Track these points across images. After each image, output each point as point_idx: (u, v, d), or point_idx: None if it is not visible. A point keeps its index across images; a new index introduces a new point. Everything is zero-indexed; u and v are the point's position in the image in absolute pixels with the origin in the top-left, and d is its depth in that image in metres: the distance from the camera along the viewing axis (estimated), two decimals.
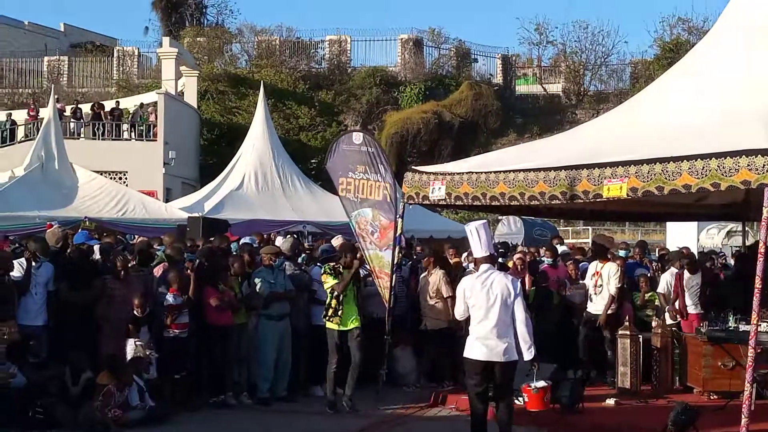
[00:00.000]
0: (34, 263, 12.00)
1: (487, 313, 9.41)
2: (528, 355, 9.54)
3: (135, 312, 12.06)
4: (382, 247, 13.73)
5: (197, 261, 13.15)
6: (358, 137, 14.34)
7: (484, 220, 9.86)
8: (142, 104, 38.90)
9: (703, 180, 9.47)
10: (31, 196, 22.84)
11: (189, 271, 12.67)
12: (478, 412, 9.66)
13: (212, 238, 15.61)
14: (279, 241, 17.49)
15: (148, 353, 11.95)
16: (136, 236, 20.45)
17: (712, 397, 12.48)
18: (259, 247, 14.86)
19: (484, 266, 9.60)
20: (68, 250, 12.97)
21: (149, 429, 11.16)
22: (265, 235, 19.32)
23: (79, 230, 17.95)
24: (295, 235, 20.71)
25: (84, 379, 11.48)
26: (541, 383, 10.91)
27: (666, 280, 14.69)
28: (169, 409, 11.90)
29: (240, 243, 15.76)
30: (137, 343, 11.96)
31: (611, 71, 53.77)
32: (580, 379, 13.54)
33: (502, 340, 9.39)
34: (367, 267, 13.86)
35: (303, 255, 15.28)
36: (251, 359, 13.21)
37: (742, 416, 9.11)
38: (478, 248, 9.65)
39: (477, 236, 9.60)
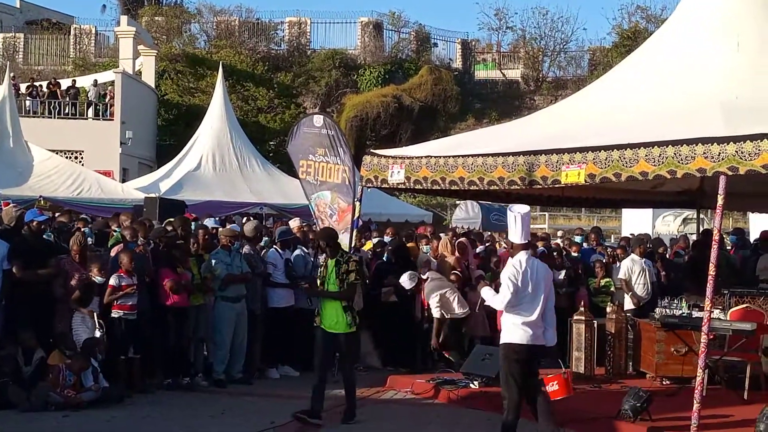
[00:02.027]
0: None
1: (535, 299, 9.35)
2: (554, 341, 9.63)
3: (95, 278, 11.96)
4: (341, 230, 13.73)
5: (151, 242, 13.08)
6: (318, 120, 14.38)
7: (528, 208, 9.65)
8: (96, 81, 38.50)
9: (659, 167, 9.53)
10: None
11: (141, 251, 12.58)
12: (518, 400, 9.38)
13: (171, 219, 15.45)
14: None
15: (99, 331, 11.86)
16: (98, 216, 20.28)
17: (664, 383, 12.62)
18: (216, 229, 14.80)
19: (523, 253, 9.44)
20: (23, 229, 12.80)
21: (103, 410, 11.08)
22: (222, 217, 19.24)
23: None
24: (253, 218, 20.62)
25: (36, 359, 11.38)
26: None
27: (626, 266, 14.80)
28: (123, 390, 11.83)
29: (199, 224, 15.66)
30: (96, 321, 11.88)
31: (570, 58, 54.07)
32: None
33: (542, 326, 9.39)
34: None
35: (265, 238, 15.15)
36: (207, 341, 13.19)
37: (695, 401, 9.21)
38: (518, 235, 9.45)
39: (520, 223, 9.40)
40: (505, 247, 16.74)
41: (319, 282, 11.02)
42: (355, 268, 10.80)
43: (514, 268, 9.35)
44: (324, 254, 11.10)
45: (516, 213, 9.44)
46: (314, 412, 10.67)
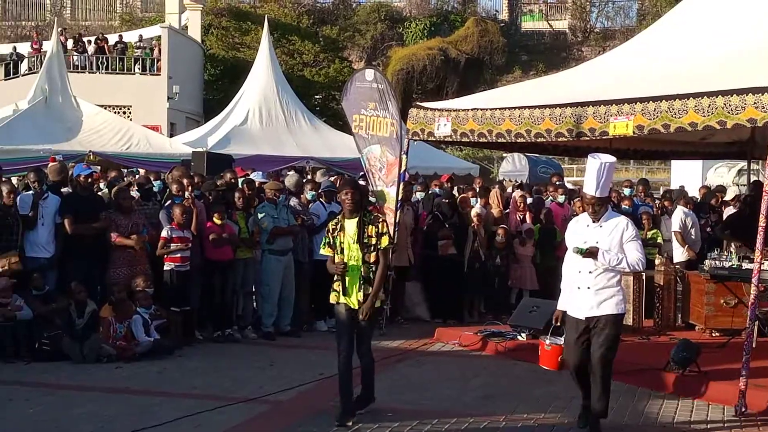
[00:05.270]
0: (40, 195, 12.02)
1: None
2: None
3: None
4: (389, 183, 13.75)
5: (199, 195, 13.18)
6: (370, 74, 14.38)
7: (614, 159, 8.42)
8: (141, 36, 38.67)
9: (709, 118, 9.41)
10: (35, 130, 22.75)
11: (191, 205, 12.68)
12: None
13: (222, 173, 15.48)
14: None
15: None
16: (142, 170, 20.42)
17: (714, 335, 12.56)
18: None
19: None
20: (73, 183, 12.94)
21: (154, 361, 11.26)
22: (271, 172, 19.30)
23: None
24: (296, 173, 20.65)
25: (89, 312, 11.55)
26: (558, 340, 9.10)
27: (680, 218, 14.69)
28: (173, 342, 11.99)
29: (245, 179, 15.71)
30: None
31: (618, 8, 53.53)
32: None
33: None
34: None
35: (312, 192, 15.06)
36: (256, 294, 13.32)
37: (744, 353, 9.15)
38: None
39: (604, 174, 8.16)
40: (551, 200, 16.68)
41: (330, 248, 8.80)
42: (386, 230, 8.78)
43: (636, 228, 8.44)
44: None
45: (605, 161, 8.20)
46: (348, 410, 8.71)
